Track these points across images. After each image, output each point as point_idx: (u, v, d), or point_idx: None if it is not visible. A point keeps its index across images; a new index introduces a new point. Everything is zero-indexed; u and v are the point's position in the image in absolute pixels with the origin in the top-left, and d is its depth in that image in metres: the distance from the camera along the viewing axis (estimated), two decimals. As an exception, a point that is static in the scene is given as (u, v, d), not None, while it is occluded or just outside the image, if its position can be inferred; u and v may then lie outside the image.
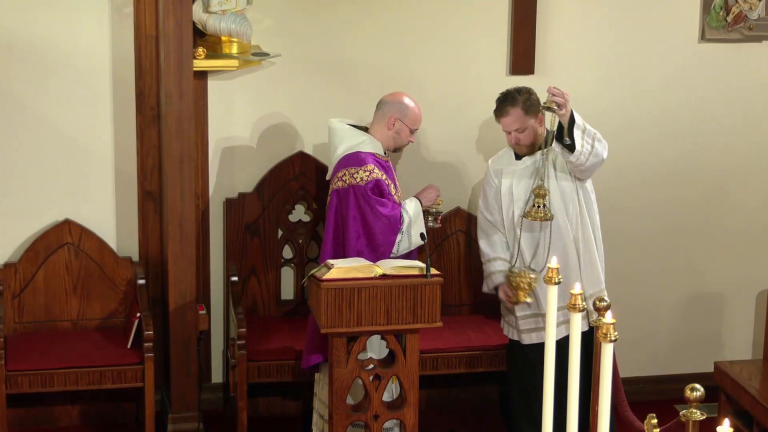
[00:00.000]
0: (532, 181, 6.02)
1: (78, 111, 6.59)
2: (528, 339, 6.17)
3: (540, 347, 5.90)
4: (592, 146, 5.83)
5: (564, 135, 5.79)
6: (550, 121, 5.88)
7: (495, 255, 6.19)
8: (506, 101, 6.04)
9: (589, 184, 6.12)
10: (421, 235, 5.93)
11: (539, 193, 5.92)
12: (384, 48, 6.79)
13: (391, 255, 5.98)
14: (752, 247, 7.32)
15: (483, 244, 6.25)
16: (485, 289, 6.29)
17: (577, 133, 5.78)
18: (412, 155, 6.79)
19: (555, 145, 5.87)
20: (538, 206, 5.91)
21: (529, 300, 6.04)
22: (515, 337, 6.22)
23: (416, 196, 6.11)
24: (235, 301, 6.56)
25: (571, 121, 5.79)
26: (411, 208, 6.01)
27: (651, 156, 7.12)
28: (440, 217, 6.19)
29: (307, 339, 6.15)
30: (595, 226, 6.14)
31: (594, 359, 4.92)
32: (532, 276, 5.98)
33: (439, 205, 6.14)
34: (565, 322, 5.93)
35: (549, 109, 5.77)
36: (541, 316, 6.02)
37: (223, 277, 6.91)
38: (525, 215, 5.94)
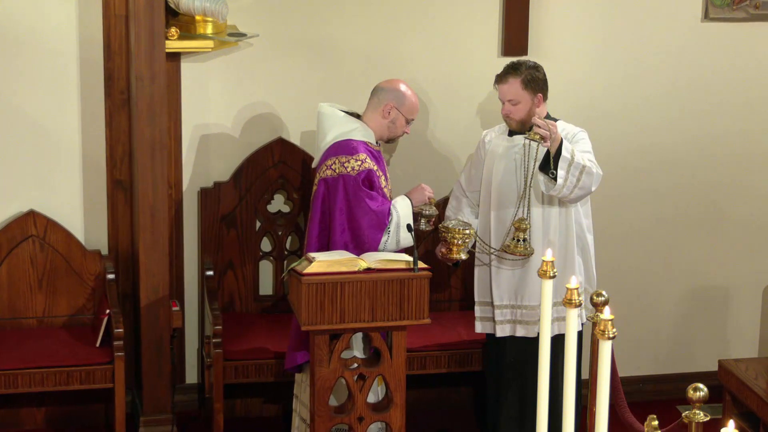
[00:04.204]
0: (514, 167, 6.03)
1: (43, 95, 6.56)
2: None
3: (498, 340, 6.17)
4: (579, 179, 5.84)
5: (550, 166, 5.81)
6: (536, 147, 5.93)
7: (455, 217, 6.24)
8: (510, 69, 6.08)
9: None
10: (408, 226, 5.85)
11: (520, 227, 5.97)
12: (369, 28, 6.77)
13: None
14: (758, 238, 7.30)
15: (449, 210, 6.29)
16: (438, 254, 6.24)
17: (562, 166, 5.80)
18: (400, 140, 6.74)
19: (539, 174, 5.90)
20: (518, 240, 5.98)
21: (464, 256, 6.01)
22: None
23: (407, 195, 6.03)
24: (210, 296, 6.55)
25: (558, 152, 5.80)
26: (401, 207, 5.94)
27: (650, 141, 7.09)
28: (434, 220, 6.11)
29: (292, 336, 6.08)
30: (583, 227, 6.11)
31: (591, 357, 4.90)
32: (467, 232, 5.97)
33: (432, 206, 6.07)
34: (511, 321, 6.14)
35: (533, 140, 5.80)
36: (493, 307, 6.12)
37: (197, 272, 6.88)
38: (504, 248, 6.02)
